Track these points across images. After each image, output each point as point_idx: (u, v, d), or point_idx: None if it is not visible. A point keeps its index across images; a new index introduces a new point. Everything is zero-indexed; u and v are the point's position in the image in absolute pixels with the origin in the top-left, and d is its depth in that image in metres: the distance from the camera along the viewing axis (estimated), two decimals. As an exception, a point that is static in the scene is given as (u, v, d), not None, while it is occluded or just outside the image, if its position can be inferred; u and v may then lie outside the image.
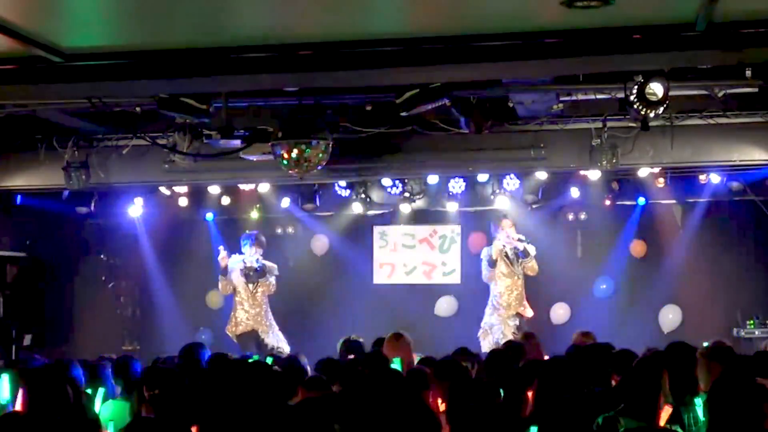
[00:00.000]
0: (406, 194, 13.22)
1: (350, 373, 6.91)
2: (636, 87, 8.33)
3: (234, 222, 14.40)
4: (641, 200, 13.25)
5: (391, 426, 4.51)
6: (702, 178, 12.30)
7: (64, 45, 6.46)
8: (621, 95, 8.70)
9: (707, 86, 9.26)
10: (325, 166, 9.42)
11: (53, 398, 5.75)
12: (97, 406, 6.91)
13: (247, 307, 12.50)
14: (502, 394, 6.01)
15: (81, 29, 6.36)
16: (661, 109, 8.44)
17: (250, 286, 12.47)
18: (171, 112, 9.15)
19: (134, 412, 6.36)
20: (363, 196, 13.42)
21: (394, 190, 13.09)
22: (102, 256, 14.61)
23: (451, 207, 13.71)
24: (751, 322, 12.85)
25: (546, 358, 8.08)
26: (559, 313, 13.78)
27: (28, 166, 11.80)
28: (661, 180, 12.32)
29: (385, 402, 4.95)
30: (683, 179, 12.47)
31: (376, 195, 13.51)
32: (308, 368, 7.40)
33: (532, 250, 12.14)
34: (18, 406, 5.96)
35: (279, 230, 14.64)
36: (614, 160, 10.37)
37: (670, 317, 13.42)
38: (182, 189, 13.18)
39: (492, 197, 13.13)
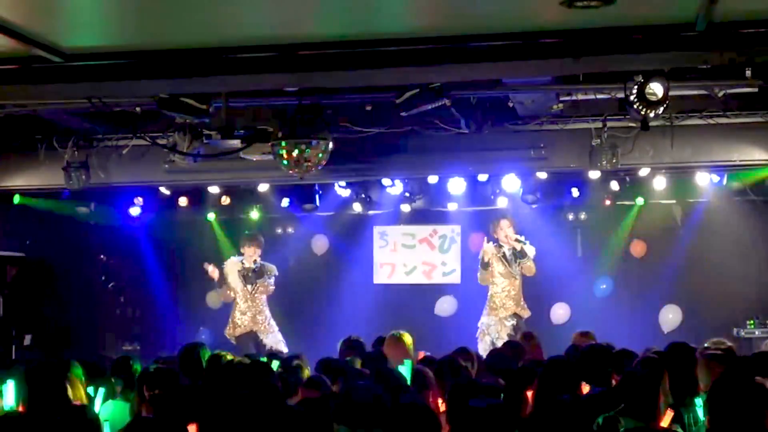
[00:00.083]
0: (406, 194, 13.22)
1: (349, 372, 6.92)
2: (636, 87, 8.32)
3: (234, 222, 14.40)
4: (639, 200, 13.25)
5: (392, 426, 4.51)
6: (702, 177, 12.28)
7: (64, 45, 6.46)
8: (621, 95, 8.69)
9: (707, 86, 9.25)
10: (325, 166, 9.41)
11: (53, 398, 5.76)
12: (97, 406, 6.91)
13: (246, 308, 12.46)
14: (502, 394, 6.01)
15: (81, 29, 6.36)
16: (661, 109, 8.43)
17: (249, 287, 12.43)
18: (171, 112, 9.13)
19: (134, 412, 6.36)
20: (363, 196, 13.42)
21: (394, 190, 13.09)
22: (102, 256, 14.61)
23: (451, 207, 13.71)
24: (751, 322, 12.85)
25: (545, 358, 8.08)
26: (559, 313, 13.79)
27: (28, 166, 11.79)
28: (661, 180, 12.32)
29: (385, 402, 4.94)
30: (683, 179, 12.46)
31: (376, 195, 13.51)
32: (308, 368, 7.40)
33: (531, 251, 12.12)
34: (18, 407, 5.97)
35: (279, 230, 14.65)
36: (614, 160, 10.37)
37: (670, 317, 13.43)
38: (182, 189, 13.18)
39: (492, 197, 13.12)
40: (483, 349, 11.07)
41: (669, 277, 13.40)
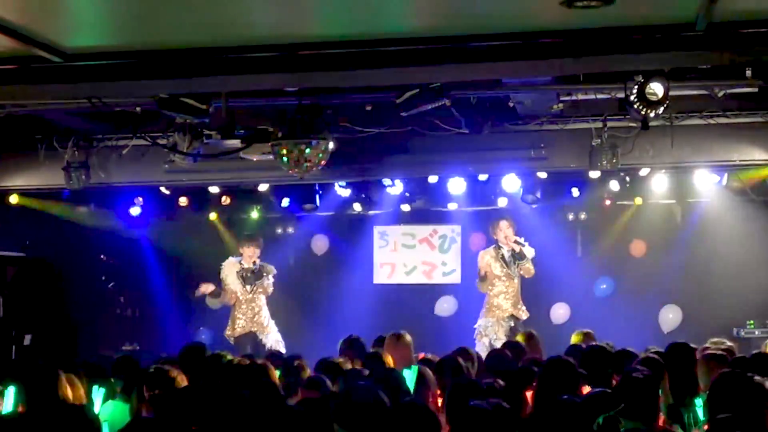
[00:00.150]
0: (406, 194, 13.21)
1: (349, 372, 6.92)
2: (636, 87, 8.33)
3: (234, 222, 14.40)
4: (638, 200, 13.25)
5: (392, 426, 4.51)
6: (702, 177, 12.27)
7: (64, 45, 6.46)
8: (621, 95, 8.70)
9: (707, 86, 9.25)
10: (325, 166, 9.41)
11: (53, 398, 5.76)
12: (97, 406, 6.91)
13: (245, 309, 12.43)
14: (502, 395, 6.01)
15: (81, 29, 6.36)
16: (661, 109, 8.44)
17: (248, 287, 12.42)
18: (171, 112, 9.14)
19: (134, 412, 6.36)
20: (363, 196, 13.41)
21: (394, 190, 13.08)
22: (102, 257, 14.61)
23: (451, 207, 13.71)
24: (751, 322, 12.86)
25: (545, 358, 8.08)
26: (559, 313, 13.79)
27: (28, 166, 11.79)
28: (661, 179, 12.32)
29: (385, 402, 4.94)
30: (683, 179, 12.46)
31: (376, 195, 13.50)
32: (308, 368, 7.40)
33: (530, 252, 12.11)
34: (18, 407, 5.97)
35: (279, 230, 14.64)
36: (614, 160, 10.37)
37: (670, 317, 13.43)
38: (182, 189, 13.18)
39: (492, 197, 13.12)
40: (481, 351, 11.05)
41: (669, 277, 13.40)
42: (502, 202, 13.07)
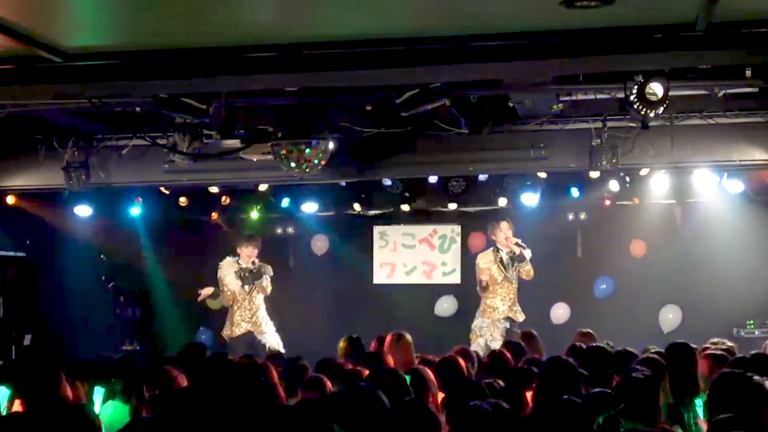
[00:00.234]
0: (406, 194, 13.21)
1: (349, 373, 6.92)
2: (636, 87, 8.33)
3: (234, 222, 14.40)
4: (636, 200, 13.24)
5: (391, 426, 4.51)
6: (702, 177, 12.27)
7: (64, 45, 6.46)
8: (621, 95, 8.70)
9: (707, 86, 9.25)
10: (325, 166, 9.41)
11: (53, 398, 5.76)
12: (97, 406, 6.91)
13: (244, 310, 12.44)
14: (502, 395, 6.01)
15: (81, 29, 6.37)
16: (661, 109, 8.44)
17: (246, 287, 12.42)
18: (171, 112, 9.14)
19: (134, 412, 6.36)
20: (363, 196, 13.41)
21: (394, 190, 13.09)
22: (102, 256, 14.61)
23: (451, 207, 13.70)
24: (751, 322, 12.85)
25: (545, 358, 8.08)
26: (559, 313, 13.78)
27: (28, 166, 11.79)
28: (661, 179, 12.32)
29: (385, 402, 4.94)
30: (683, 179, 12.46)
31: (376, 195, 13.50)
32: (309, 368, 7.40)
33: (527, 254, 12.12)
34: (17, 407, 5.97)
35: (279, 230, 14.64)
36: (614, 160, 10.37)
37: (670, 317, 13.42)
38: (182, 189, 13.18)
39: (492, 197, 13.12)
40: (477, 351, 11.05)
41: (669, 277, 13.39)
42: (502, 202, 13.07)
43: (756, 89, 9.34)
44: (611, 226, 13.69)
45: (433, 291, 14.37)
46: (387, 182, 12.92)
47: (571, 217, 13.78)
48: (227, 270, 12.46)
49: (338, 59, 6.59)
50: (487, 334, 11.81)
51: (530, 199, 12.72)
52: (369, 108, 9.87)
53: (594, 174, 11.52)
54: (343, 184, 12.95)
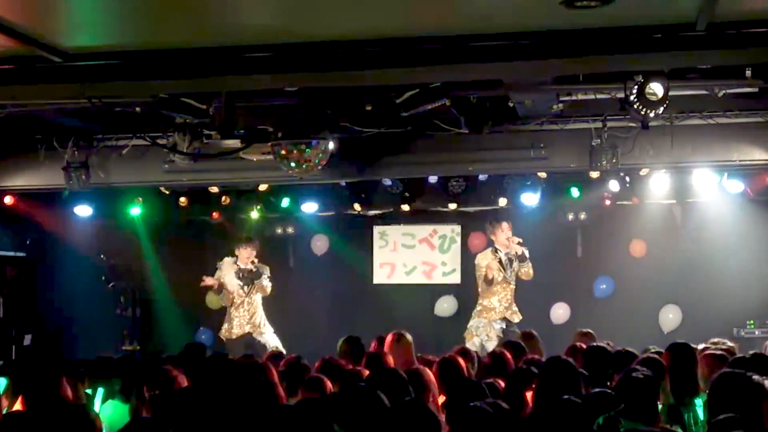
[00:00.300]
0: (406, 194, 13.21)
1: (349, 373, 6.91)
2: (636, 87, 8.33)
3: (234, 222, 14.40)
4: (636, 200, 13.24)
5: (392, 426, 4.51)
6: (702, 177, 12.27)
7: (64, 45, 6.46)
8: (621, 95, 8.70)
9: (707, 86, 9.25)
10: (325, 166, 9.41)
11: (53, 398, 5.76)
12: (97, 406, 6.91)
13: (243, 311, 12.45)
14: (502, 395, 6.01)
15: (81, 29, 6.36)
16: (661, 109, 8.44)
17: (245, 288, 12.42)
18: (171, 112, 9.15)
19: (134, 412, 6.36)
20: (363, 196, 13.41)
21: (394, 190, 13.09)
22: (102, 256, 14.61)
23: (451, 207, 13.70)
24: (751, 322, 12.84)
25: (545, 358, 8.08)
26: (559, 313, 13.78)
27: (28, 166, 11.80)
28: (661, 179, 12.32)
29: (385, 402, 4.94)
30: (683, 179, 12.45)
31: (376, 195, 13.50)
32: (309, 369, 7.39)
33: (527, 253, 12.14)
34: (18, 406, 5.97)
35: (279, 230, 14.64)
36: (614, 160, 10.37)
37: (670, 317, 13.42)
38: (182, 189, 13.17)
39: (492, 197, 13.12)
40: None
41: (669, 277, 13.39)
42: (502, 202, 13.07)
43: (756, 89, 9.34)
44: (611, 226, 13.68)
45: (433, 291, 14.37)
46: (387, 182, 12.92)
47: (571, 217, 13.77)
48: (227, 270, 12.48)
49: (338, 59, 6.59)
50: (482, 334, 11.82)
51: (530, 199, 12.72)
52: (369, 108, 9.87)
53: (594, 174, 11.53)
54: (343, 184, 12.96)
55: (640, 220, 13.57)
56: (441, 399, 6.49)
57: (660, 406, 5.77)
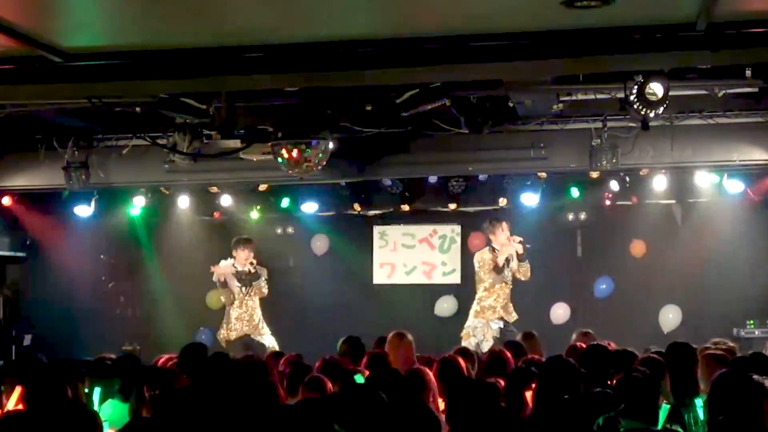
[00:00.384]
0: (406, 194, 13.21)
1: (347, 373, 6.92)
2: (636, 87, 8.33)
3: (234, 222, 14.40)
4: (634, 200, 13.23)
5: (392, 426, 4.51)
6: (702, 177, 12.27)
7: (64, 45, 6.46)
8: (621, 95, 8.70)
9: (707, 86, 9.26)
10: (325, 166, 9.42)
11: (53, 398, 5.76)
12: (97, 406, 6.91)
13: (241, 312, 12.46)
14: (502, 395, 6.01)
15: (81, 29, 6.36)
16: (661, 109, 8.44)
17: (244, 290, 12.43)
18: (171, 112, 9.15)
19: (134, 412, 6.36)
20: (363, 196, 13.41)
21: (394, 190, 13.09)
22: (102, 256, 14.61)
23: (451, 207, 13.70)
24: (751, 322, 12.84)
25: (545, 358, 8.08)
26: (559, 313, 13.78)
27: (28, 166, 11.80)
28: (661, 180, 12.32)
29: (386, 402, 4.94)
30: (683, 179, 12.46)
31: (376, 195, 13.51)
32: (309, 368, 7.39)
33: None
34: (18, 406, 5.97)
35: (279, 230, 14.64)
36: (614, 160, 10.37)
37: (670, 317, 13.42)
38: (182, 188, 13.18)
39: (492, 197, 13.12)
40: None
41: (669, 277, 13.38)
42: (502, 202, 13.07)
43: (756, 89, 9.35)
44: (611, 226, 13.68)
45: (433, 291, 14.36)
46: (387, 182, 12.92)
47: (571, 217, 13.78)
48: (226, 272, 12.47)
49: (338, 59, 6.59)
50: (480, 335, 11.81)
51: (530, 199, 12.72)
52: (369, 108, 9.88)
53: (594, 174, 11.53)
54: (343, 184, 12.96)
55: (640, 220, 13.56)
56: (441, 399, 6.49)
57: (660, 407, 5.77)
